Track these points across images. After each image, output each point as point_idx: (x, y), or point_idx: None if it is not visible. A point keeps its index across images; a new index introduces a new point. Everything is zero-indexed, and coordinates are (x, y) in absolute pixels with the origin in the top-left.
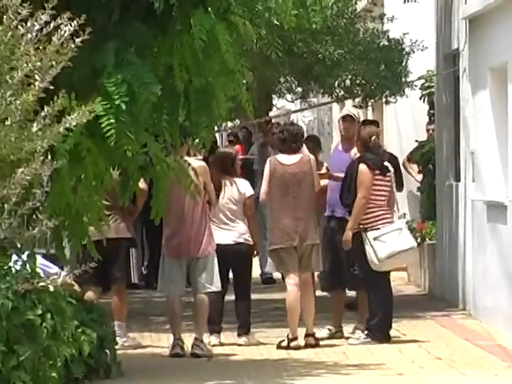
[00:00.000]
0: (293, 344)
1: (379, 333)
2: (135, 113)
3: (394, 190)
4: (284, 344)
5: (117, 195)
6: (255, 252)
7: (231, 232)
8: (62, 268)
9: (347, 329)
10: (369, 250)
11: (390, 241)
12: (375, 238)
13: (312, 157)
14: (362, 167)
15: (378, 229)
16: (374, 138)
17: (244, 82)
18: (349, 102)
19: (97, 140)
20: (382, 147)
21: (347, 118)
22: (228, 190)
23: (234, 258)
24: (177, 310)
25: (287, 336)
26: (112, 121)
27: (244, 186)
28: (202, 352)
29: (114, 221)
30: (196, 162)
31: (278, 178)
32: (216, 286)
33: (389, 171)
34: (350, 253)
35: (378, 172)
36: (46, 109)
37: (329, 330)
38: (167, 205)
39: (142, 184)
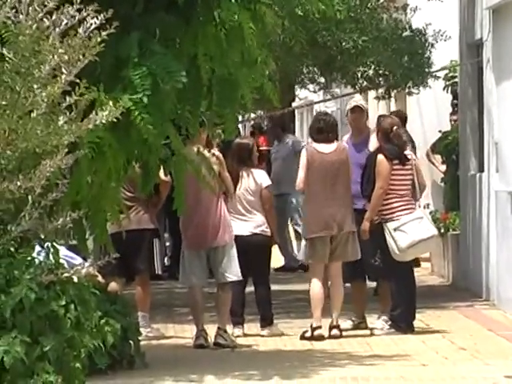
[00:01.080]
0: (316, 333)
1: (403, 323)
2: (159, 104)
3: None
4: (307, 335)
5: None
6: (276, 244)
7: (248, 223)
8: (85, 259)
9: (370, 319)
10: (390, 241)
11: (410, 230)
12: (395, 229)
13: (346, 145)
14: (380, 157)
15: (398, 219)
16: (395, 128)
17: (267, 72)
18: (372, 93)
19: (118, 135)
20: (404, 138)
21: (356, 109)
22: (245, 181)
23: (251, 249)
24: (199, 301)
25: (310, 326)
26: (144, 115)
27: (261, 177)
28: (226, 342)
29: (137, 212)
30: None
31: (317, 167)
32: (236, 275)
33: (408, 160)
34: (371, 244)
35: (396, 162)
36: (67, 99)
37: (352, 320)
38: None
39: (165, 176)
